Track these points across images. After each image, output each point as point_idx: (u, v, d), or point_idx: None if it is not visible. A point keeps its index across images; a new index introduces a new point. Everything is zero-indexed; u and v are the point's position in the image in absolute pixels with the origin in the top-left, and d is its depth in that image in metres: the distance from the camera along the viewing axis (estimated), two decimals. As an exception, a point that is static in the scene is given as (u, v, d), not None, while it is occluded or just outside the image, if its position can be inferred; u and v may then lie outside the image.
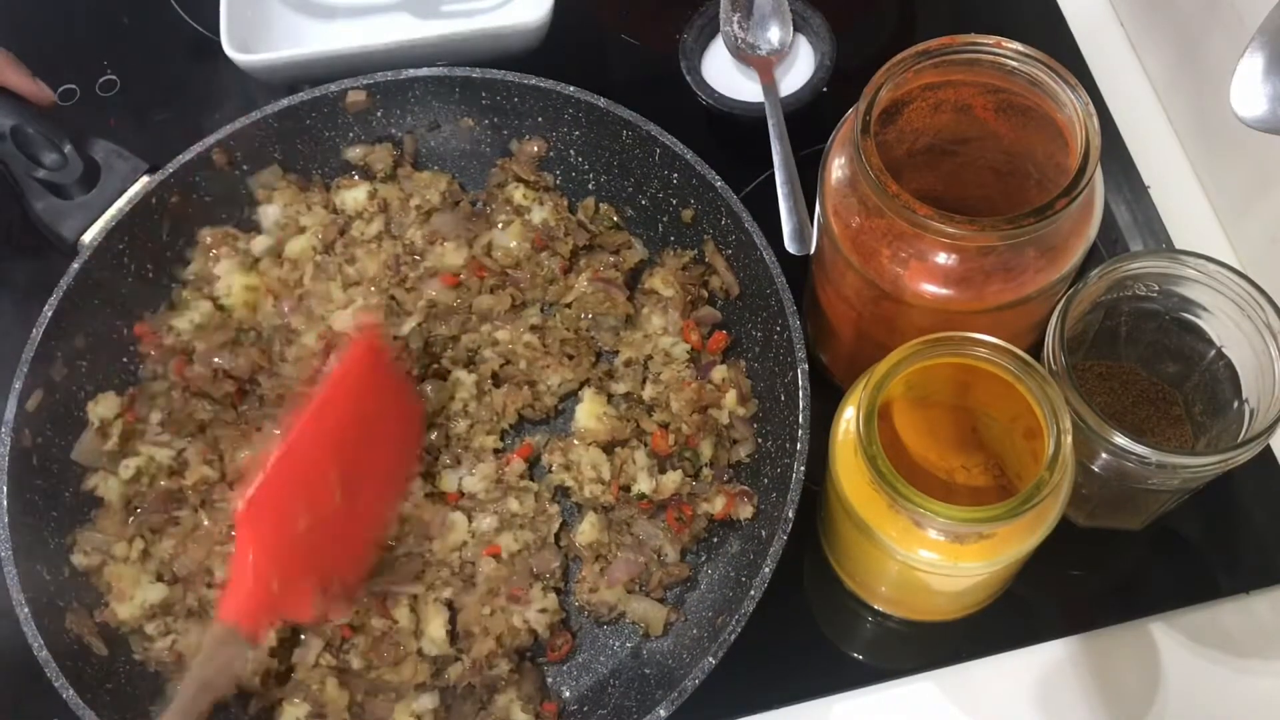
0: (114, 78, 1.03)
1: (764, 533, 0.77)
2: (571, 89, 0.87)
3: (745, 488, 0.80)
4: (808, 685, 0.79)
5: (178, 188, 0.86)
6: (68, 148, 0.86)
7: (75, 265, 0.82)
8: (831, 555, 0.80)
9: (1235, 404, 0.73)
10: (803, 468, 0.74)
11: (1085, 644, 0.79)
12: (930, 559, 0.66)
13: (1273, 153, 0.83)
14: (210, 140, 0.86)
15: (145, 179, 0.86)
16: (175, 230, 0.87)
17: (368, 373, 0.75)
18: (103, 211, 0.85)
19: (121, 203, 0.85)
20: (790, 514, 0.73)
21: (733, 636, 0.71)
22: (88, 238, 0.84)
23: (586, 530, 0.80)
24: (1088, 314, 0.73)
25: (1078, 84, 0.66)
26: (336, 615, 0.75)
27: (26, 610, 0.73)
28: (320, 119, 0.89)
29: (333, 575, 0.72)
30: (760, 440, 0.82)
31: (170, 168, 0.86)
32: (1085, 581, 0.81)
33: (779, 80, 0.94)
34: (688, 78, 0.95)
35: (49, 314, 0.81)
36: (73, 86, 1.02)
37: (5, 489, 0.76)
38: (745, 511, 0.79)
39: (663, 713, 0.70)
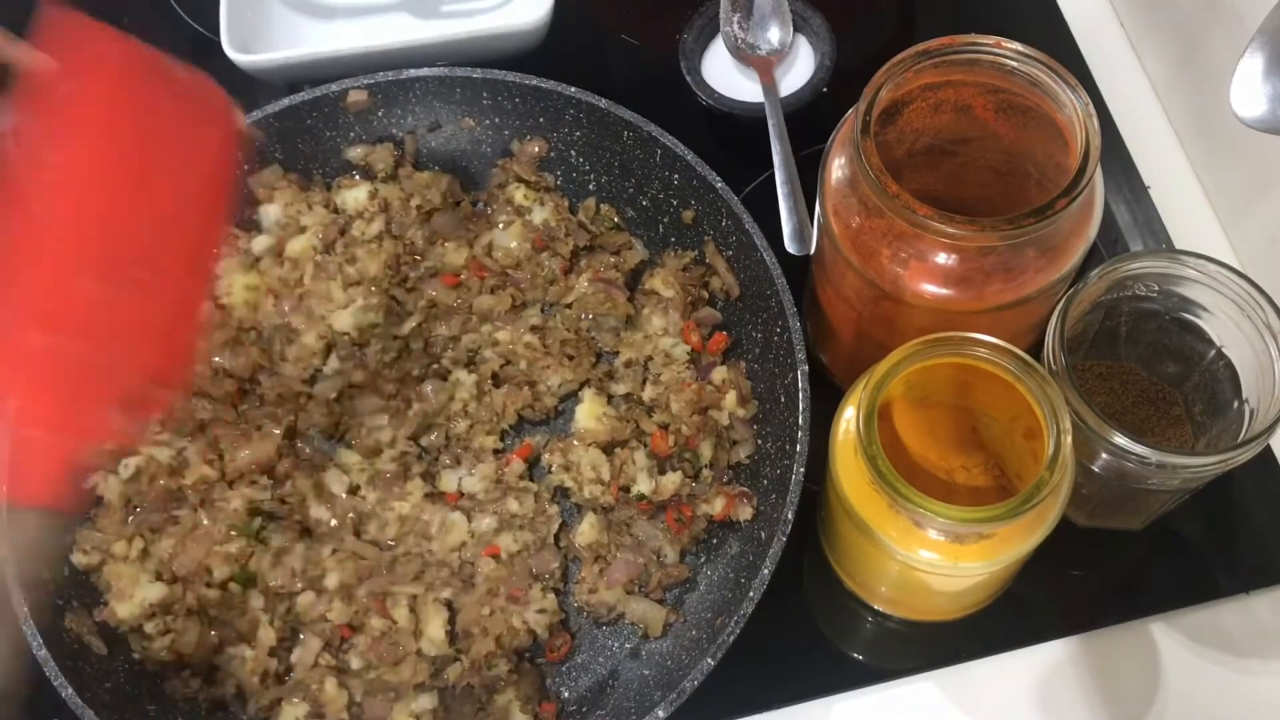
0: (114, 78, 1.03)
1: (763, 534, 0.77)
2: (573, 90, 0.87)
3: (745, 489, 0.80)
4: (808, 685, 0.79)
5: None
6: None
7: None
8: (831, 555, 0.80)
9: (1235, 404, 0.73)
10: (802, 469, 0.74)
11: (1085, 644, 0.79)
12: (930, 559, 0.66)
13: (1273, 153, 0.83)
14: None
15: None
16: None
17: (113, 100, 0.54)
18: None
19: None
20: (790, 515, 0.73)
21: (731, 638, 0.71)
22: None
23: (586, 531, 0.80)
24: (1088, 314, 0.73)
25: (1078, 84, 0.66)
26: (155, 413, 0.60)
27: (25, 609, 0.73)
28: (321, 119, 0.89)
29: (136, 375, 0.55)
30: (760, 441, 0.82)
31: None
32: (1085, 581, 0.81)
33: (779, 80, 0.94)
34: (688, 78, 0.95)
35: None
36: (73, 86, 1.02)
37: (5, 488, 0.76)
38: (745, 513, 0.79)
39: (661, 714, 0.70)
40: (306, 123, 0.89)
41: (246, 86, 0.96)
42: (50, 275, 0.52)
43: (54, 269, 0.52)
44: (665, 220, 0.89)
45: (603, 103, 0.86)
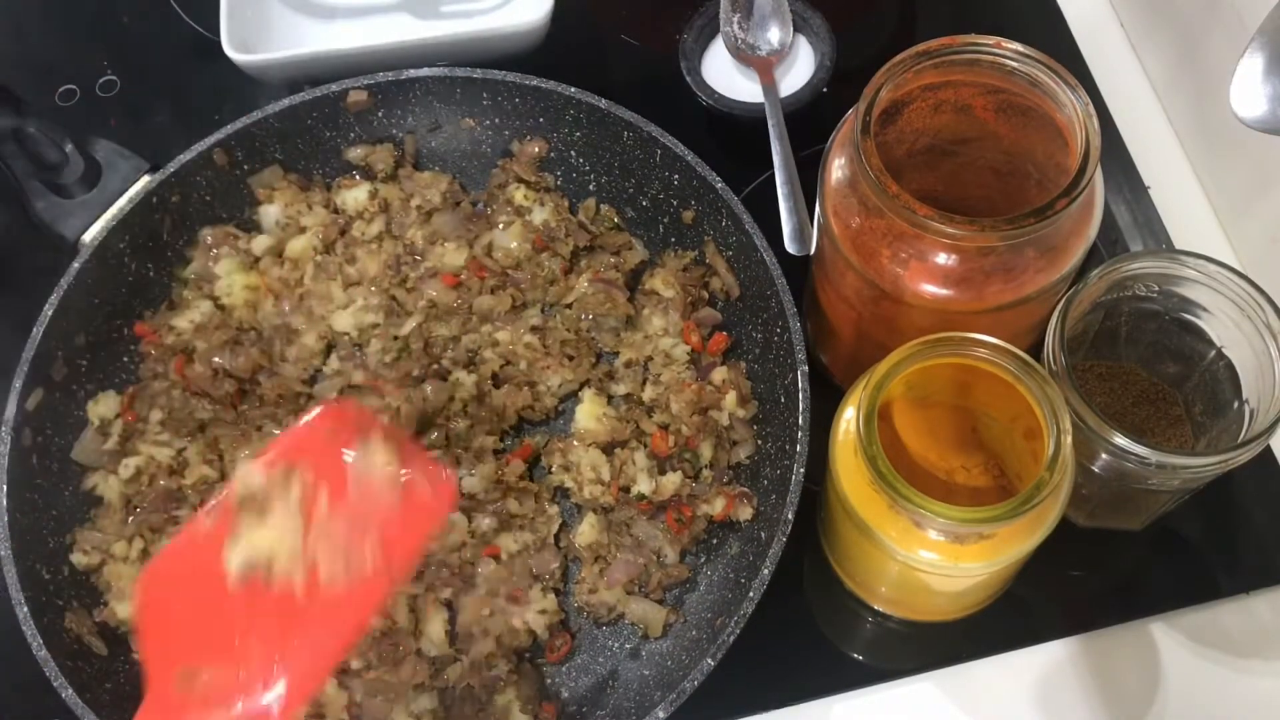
0: (114, 78, 1.03)
1: (763, 534, 0.77)
2: (573, 90, 0.87)
3: (745, 489, 0.80)
4: (808, 685, 0.79)
5: (179, 187, 0.86)
6: (69, 147, 0.86)
7: (75, 264, 0.82)
8: (831, 556, 0.80)
9: (1235, 404, 0.73)
10: (802, 470, 0.74)
11: (1085, 644, 0.79)
12: (930, 559, 0.66)
13: (1273, 153, 0.83)
14: (211, 140, 0.86)
15: (146, 178, 0.86)
16: (176, 229, 0.87)
17: (330, 454, 0.62)
18: (103, 211, 0.85)
19: (122, 202, 0.85)
20: (790, 516, 0.73)
21: (731, 638, 0.71)
22: (88, 237, 0.84)
23: (586, 531, 0.80)
24: (1088, 314, 0.73)
25: (1078, 84, 0.66)
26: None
27: (25, 609, 0.73)
28: (321, 119, 0.89)
29: (275, 673, 0.60)
30: (760, 442, 0.82)
31: (171, 167, 0.86)
32: (1085, 581, 0.81)
33: (779, 80, 0.94)
34: (688, 78, 0.95)
35: (49, 313, 0.81)
36: (73, 87, 1.02)
37: (5, 488, 0.76)
38: (745, 513, 0.79)
39: (661, 714, 0.70)
40: (306, 123, 0.89)
41: (246, 86, 0.96)
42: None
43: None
44: (665, 220, 0.89)
45: (603, 103, 0.86)
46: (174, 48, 1.05)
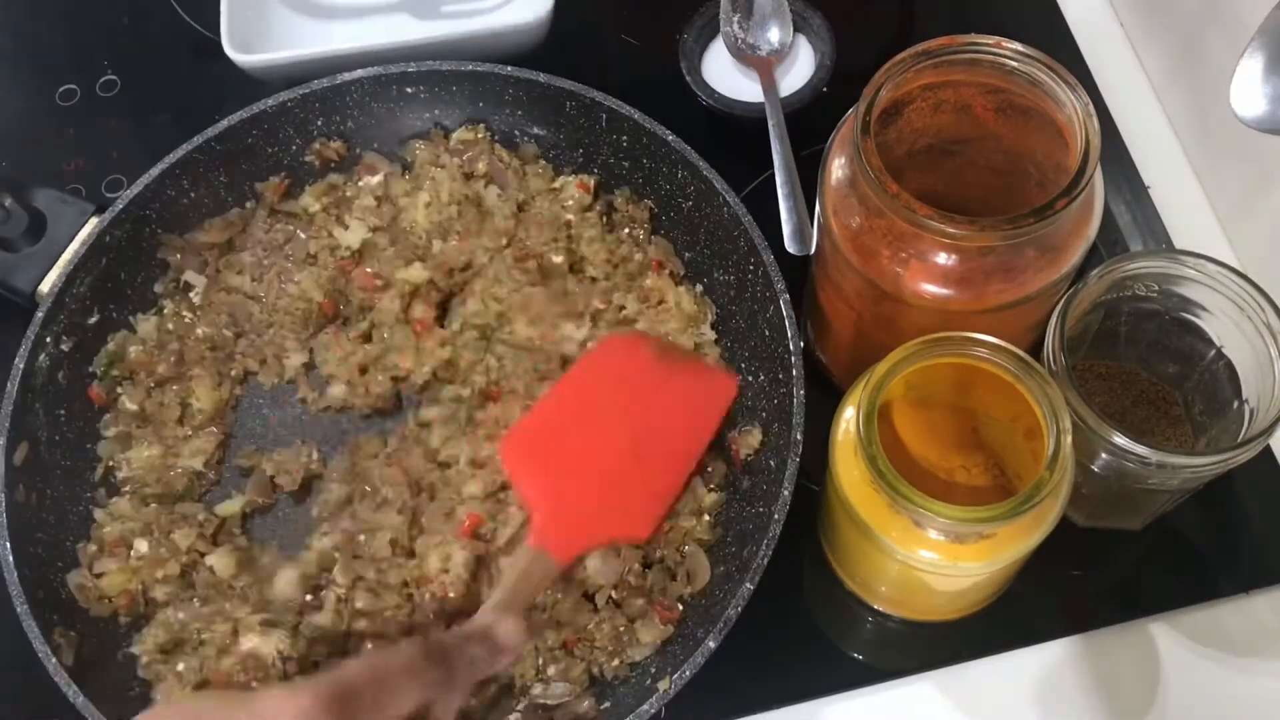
0: (114, 78, 1.03)
1: (773, 462, 0.77)
2: (509, 69, 0.88)
3: (743, 428, 0.80)
4: (808, 685, 0.79)
5: (128, 225, 0.85)
6: (8, 201, 0.86)
7: (39, 315, 0.81)
8: (831, 555, 0.80)
9: (1235, 404, 0.73)
10: (802, 392, 0.74)
11: (1085, 644, 0.79)
12: (930, 559, 0.66)
13: (1273, 153, 0.83)
14: (155, 171, 0.85)
15: (94, 221, 0.85)
16: (132, 266, 0.86)
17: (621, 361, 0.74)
18: (55, 259, 0.85)
19: (74, 246, 0.85)
20: (798, 436, 0.73)
21: (765, 561, 0.71)
22: (45, 287, 0.84)
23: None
24: (1088, 314, 0.73)
25: (1078, 84, 0.66)
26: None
27: (33, 623, 0.72)
28: (262, 135, 0.89)
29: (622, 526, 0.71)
30: (751, 377, 0.82)
31: (119, 204, 0.84)
32: (1085, 581, 0.81)
33: (779, 80, 0.95)
34: (688, 78, 0.95)
35: (20, 366, 0.79)
36: (73, 86, 1.02)
37: (8, 544, 0.75)
38: (753, 440, 0.79)
39: (711, 644, 0.70)
40: (247, 142, 0.89)
41: (247, 86, 0.96)
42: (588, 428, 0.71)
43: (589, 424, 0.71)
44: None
45: (541, 77, 0.87)
46: (174, 48, 1.05)
